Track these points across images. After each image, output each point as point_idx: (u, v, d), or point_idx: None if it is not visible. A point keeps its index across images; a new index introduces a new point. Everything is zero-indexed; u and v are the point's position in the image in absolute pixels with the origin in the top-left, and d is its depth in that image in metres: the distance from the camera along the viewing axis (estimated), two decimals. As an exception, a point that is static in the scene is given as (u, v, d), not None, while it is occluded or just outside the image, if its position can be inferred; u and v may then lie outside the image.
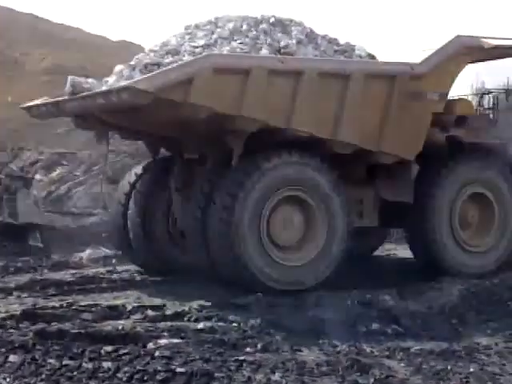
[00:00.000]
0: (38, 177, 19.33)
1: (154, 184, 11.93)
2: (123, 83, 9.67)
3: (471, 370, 6.48)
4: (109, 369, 6.19)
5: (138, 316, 8.60)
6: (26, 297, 10.16)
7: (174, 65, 9.41)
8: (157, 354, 6.67)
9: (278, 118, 9.80)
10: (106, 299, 9.70)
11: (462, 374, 6.32)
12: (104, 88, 10.12)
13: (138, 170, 12.36)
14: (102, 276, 11.99)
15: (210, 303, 9.21)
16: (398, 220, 11.60)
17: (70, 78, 10.66)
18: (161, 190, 11.77)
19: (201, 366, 6.37)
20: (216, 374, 6.15)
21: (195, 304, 9.16)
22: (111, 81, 10.49)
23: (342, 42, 11.38)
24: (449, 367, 6.55)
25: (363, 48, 11.35)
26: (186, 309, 8.88)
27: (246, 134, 9.81)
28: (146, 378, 6.02)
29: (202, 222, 10.01)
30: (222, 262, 9.89)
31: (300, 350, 7.21)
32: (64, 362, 6.33)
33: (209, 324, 8.12)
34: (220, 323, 8.22)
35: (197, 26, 11.01)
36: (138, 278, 11.83)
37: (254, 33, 10.59)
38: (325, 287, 9.79)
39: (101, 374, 6.08)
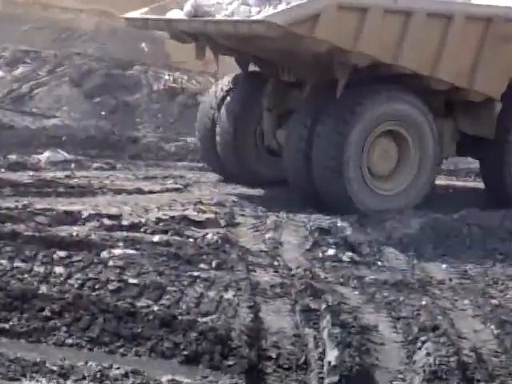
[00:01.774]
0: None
1: (246, 100, 12.44)
2: (250, 13, 10.38)
3: (423, 302, 6.52)
4: (60, 274, 6.13)
5: (93, 224, 8.48)
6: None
7: (304, 0, 9.99)
8: (110, 263, 6.62)
9: (388, 55, 10.48)
10: (62, 204, 9.54)
11: (414, 307, 6.37)
12: (225, 14, 10.64)
13: (225, 83, 12.88)
14: (59, 180, 11.78)
15: (167, 216, 9.14)
16: (476, 152, 12.36)
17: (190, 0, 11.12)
18: (252, 106, 12.33)
19: (154, 278, 6.34)
20: (168, 288, 6.13)
21: (152, 216, 9.08)
22: (224, 3, 10.90)
23: None
24: (401, 298, 6.59)
25: None
26: (143, 220, 8.79)
27: (352, 66, 10.43)
28: (97, 286, 5.99)
29: (306, 149, 10.63)
30: (325, 189, 10.56)
31: (254, 271, 7.19)
32: (15, 264, 6.25)
33: (165, 237, 8.03)
34: (176, 237, 8.14)
35: None
36: (96, 185, 11.69)
37: None
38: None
39: (52, 279, 6.02)
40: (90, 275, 6.17)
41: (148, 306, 5.68)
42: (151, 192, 11.50)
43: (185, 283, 6.34)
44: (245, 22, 10.18)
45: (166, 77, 27.33)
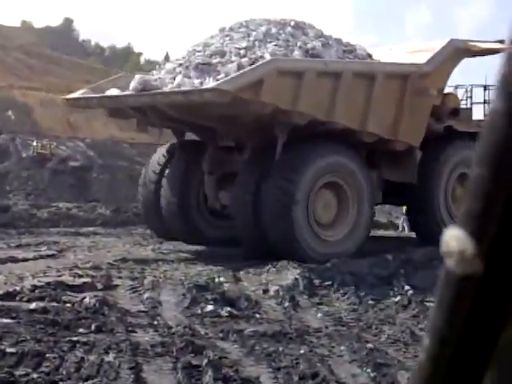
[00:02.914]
0: None
1: (186, 165, 13.45)
2: (194, 85, 11.35)
3: (301, 351, 6.69)
4: None
5: None
6: None
7: (247, 69, 10.98)
8: (-14, 334, 6.47)
9: (323, 113, 11.56)
10: None
11: (293, 356, 6.52)
12: (172, 87, 11.51)
13: (163, 151, 14.02)
14: None
15: (43, 283, 9.01)
16: (400, 198, 13.98)
17: (138, 76, 12.06)
18: (193, 171, 13.34)
19: (32, 346, 6.23)
20: (48, 355, 6.04)
21: (28, 284, 8.94)
22: (166, 77, 11.96)
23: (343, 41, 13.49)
24: (280, 349, 6.73)
25: (363, 47, 13.58)
26: (18, 288, 8.64)
27: (291, 126, 11.44)
28: (-27, 359, 5.83)
29: (254, 204, 11.62)
30: (275, 238, 11.51)
31: (135, 331, 7.18)
32: None
33: (41, 304, 7.92)
34: (53, 303, 8.04)
35: (231, 29, 12.83)
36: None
37: (283, 35, 12.43)
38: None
39: None
40: None
41: (27, 374, 5.58)
42: (25, 259, 11.33)
43: (64, 349, 6.27)
44: (196, 91, 10.98)
45: (35, 143, 27.01)
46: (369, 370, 6.29)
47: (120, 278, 9.99)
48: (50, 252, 12.34)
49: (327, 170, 11.83)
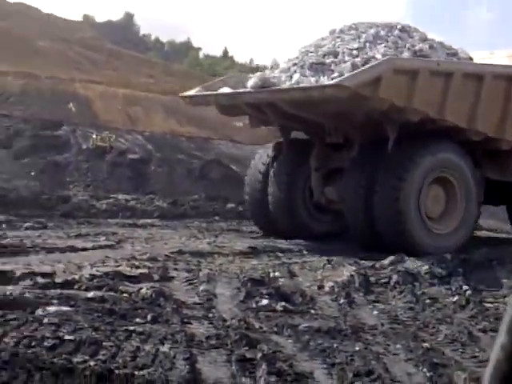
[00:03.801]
0: None
1: (293, 163, 14.03)
2: (311, 83, 11.94)
3: (356, 348, 6.65)
4: (0, 334, 6.09)
5: (27, 282, 8.45)
6: None
7: (366, 67, 11.54)
8: (45, 320, 6.59)
9: (434, 110, 12.05)
10: (-5, 265, 9.49)
11: (348, 353, 6.49)
12: (290, 84, 12.21)
13: (268, 151, 14.64)
14: (-14, 242, 11.70)
15: (101, 273, 9.14)
16: (500, 198, 14.58)
17: (258, 74, 13.01)
18: (299, 168, 13.93)
19: (90, 334, 6.33)
20: (105, 343, 6.12)
21: (86, 273, 9.08)
22: (282, 75, 12.62)
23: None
24: (335, 345, 6.71)
25: (464, 51, 14.01)
26: (77, 277, 8.79)
27: (403, 122, 11.94)
28: (33, 343, 5.95)
29: (364, 199, 12.17)
30: (387, 231, 12.03)
31: (190, 323, 7.23)
32: (-50, 325, 6.20)
33: (99, 293, 8.04)
34: (110, 293, 8.15)
35: (341, 31, 13.51)
36: (29, 245, 11.62)
37: (392, 38, 13.04)
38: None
39: (-13, 339, 5.97)
40: (26, 333, 6.14)
41: (84, 362, 5.67)
42: (84, 249, 11.50)
43: (121, 338, 6.35)
44: (318, 87, 11.64)
45: (94, 136, 27.39)
46: (425, 370, 6.21)
47: (176, 269, 10.07)
48: (109, 242, 12.50)
49: (437, 166, 12.34)
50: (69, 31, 45.24)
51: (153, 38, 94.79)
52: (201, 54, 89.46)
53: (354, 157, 13.01)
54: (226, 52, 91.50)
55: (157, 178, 26.03)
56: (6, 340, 5.96)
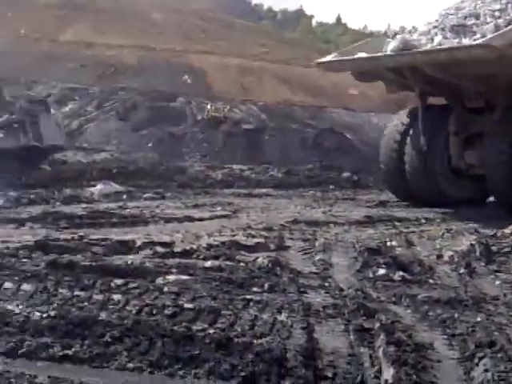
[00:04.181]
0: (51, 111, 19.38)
1: (431, 129, 13.80)
2: (444, 41, 11.94)
3: (478, 319, 6.48)
4: (118, 301, 6.27)
5: (147, 252, 8.66)
6: (38, 228, 10.26)
7: (510, 27, 11.33)
8: (165, 289, 6.74)
9: None
10: (116, 234, 9.78)
11: (469, 323, 6.33)
12: (432, 46, 12.13)
13: (402, 119, 14.48)
14: (112, 211, 12.08)
15: (218, 242, 9.27)
16: None
17: (399, 36, 12.86)
18: (437, 133, 13.80)
19: (208, 303, 6.43)
20: (223, 312, 6.20)
21: (204, 242, 9.22)
22: (422, 38, 12.54)
23: None
24: (455, 315, 6.56)
25: None
26: (195, 247, 8.93)
27: None
28: (154, 311, 6.10)
29: (508, 164, 12.13)
30: None
31: (306, 292, 7.23)
32: (75, 293, 6.43)
33: (216, 262, 8.15)
34: (228, 262, 8.25)
35: None
36: (147, 215, 11.90)
37: None
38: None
39: (111, 306, 6.16)
40: (147, 301, 6.30)
41: (204, 330, 5.77)
42: (201, 219, 11.69)
43: (239, 306, 6.42)
44: (463, 47, 11.50)
45: (209, 106, 27.72)
46: (550, 341, 6.01)
47: (292, 239, 10.09)
48: (225, 212, 12.66)
49: None
50: (183, 2, 45.75)
51: (265, 7, 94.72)
52: (313, 22, 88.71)
53: (496, 121, 12.73)
54: (338, 19, 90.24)
55: (271, 148, 26.13)
56: (128, 308, 6.14)
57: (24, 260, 7.69)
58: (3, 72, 23.73)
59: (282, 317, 6.25)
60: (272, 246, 9.37)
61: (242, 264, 8.23)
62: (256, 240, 9.63)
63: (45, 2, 36.13)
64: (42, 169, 18.13)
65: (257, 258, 8.47)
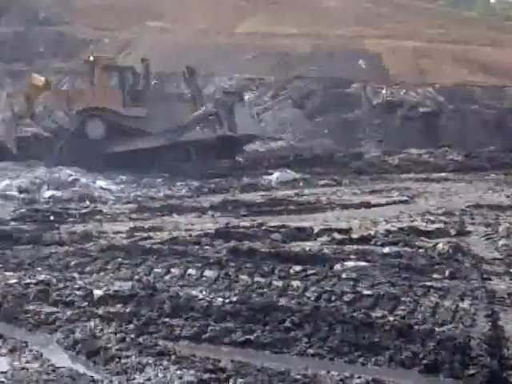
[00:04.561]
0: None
1: None
2: None
3: None
4: (297, 287, 6.34)
5: (324, 238, 8.69)
6: (219, 216, 10.56)
7: None
8: (343, 275, 6.73)
9: None
10: (293, 221, 9.88)
11: None
12: None
13: None
14: (289, 198, 12.23)
15: (396, 228, 9.15)
16: None
17: None
18: None
19: (387, 289, 6.36)
20: (403, 299, 6.11)
21: (381, 229, 9.13)
22: None
23: None
24: None
25: None
26: (372, 233, 8.87)
27: None
28: (333, 298, 6.11)
29: None
30: None
31: (490, 279, 6.99)
32: (255, 279, 6.56)
33: (395, 249, 8.05)
34: (406, 248, 8.12)
35: None
36: (324, 201, 11.95)
37: None
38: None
39: (290, 292, 6.24)
40: (326, 288, 6.32)
41: (383, 317, 5.72)
42: (378, 205, 11.59)
43: (419, 293, 6.30)
44: None
45: (384, 91, 27.40)
46: None
47: (473, 224, 9.79)
48: (402, 198, 12.48)
49: None
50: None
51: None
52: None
53: None
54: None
55: (449, 131, 25.46)
56: (307, 294, 6.19)
57: (206, 247, 7.94)
58: (184, 64, 24.55)
59: (465, 304, 6.08)
60: (452, 232, 9.13)
61: (421, 250, 8.08)
62: (435, 225, 9.42)
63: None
64: (237, 161, 18.63)
65: (437, 243, 8.29)
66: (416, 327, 5.52)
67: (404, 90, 27.69)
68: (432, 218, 10.05)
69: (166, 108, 18.16)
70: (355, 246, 8.19)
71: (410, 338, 5.37)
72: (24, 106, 18.92)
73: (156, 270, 6.92)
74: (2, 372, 4.75)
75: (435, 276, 6.98)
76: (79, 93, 19.60)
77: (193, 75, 19.30)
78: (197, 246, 7.95)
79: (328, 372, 4.94)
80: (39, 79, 19.45)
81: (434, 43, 33.45)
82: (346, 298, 6.10)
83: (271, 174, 15.99)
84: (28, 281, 6.66)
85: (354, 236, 8.76)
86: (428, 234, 8.92)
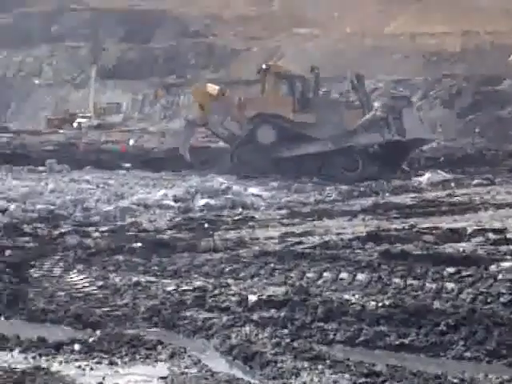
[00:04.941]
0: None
1: None
2: None
3: None
4: (452, 289, 6.23)
5: (478, 239, 8.47)
6: (369, 219, 10.53)
7: None
8: (499, 276, 6.55)
9: None
10: (446, 222, 9.71)
11: None
12: None
13: None
14: (441, 199, 12.03)
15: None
16: None
17: None
18: None
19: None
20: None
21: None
22: None
23: None
24: None
25: None
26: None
27: None
28: (489, 300, 5.98)
29: None
30: None
31: None
32: (408, 282, 6.50)
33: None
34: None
35: None
36: (477, 201, 11.66)
37: None
38: None
39: (444, 295, 6.15)
40: (481, 289, 6.18)
41: (543, 318, 5.54)
42: (533, 203, 11.18)
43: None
44: None
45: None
46: None
47: None
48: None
49: None
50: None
51: None
52: None
53: None
54: None
55: None
56: (462, 296, 6.08)
57: (357, 251, 7.93)
58: (332, 70, 24.64)
59: None
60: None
61: None
62: None
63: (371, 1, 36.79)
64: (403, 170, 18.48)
65: None
66: None
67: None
68: None
69: (334, 115, 18.47)
70: (511, 247, 7.94)
71: None
72: (198, 114, 19.86)
73: (308, 274, 6.99)
74: (162, 377, 4.92)
75: None
76: (251, 100, 20.24)
77: (361, 81, 19.50)
78: (348, 250, 7.96)
79: (486, 375, 4.84)
80: (213, 88, 20.30)
81: None
82: (502, 300, 5.94)
83: (422, 175, 15.77)
84: (185, 288, 6.87)
85: (510, 236, 8.48)
86: None
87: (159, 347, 5.47)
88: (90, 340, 5.58)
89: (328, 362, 5.05)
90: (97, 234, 9.69)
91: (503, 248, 7.84)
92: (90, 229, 10.12)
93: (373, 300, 6.09)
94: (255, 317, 6.03)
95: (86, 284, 7.19)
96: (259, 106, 19.20)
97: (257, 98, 20.22)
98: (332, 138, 18.01)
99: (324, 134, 18.19)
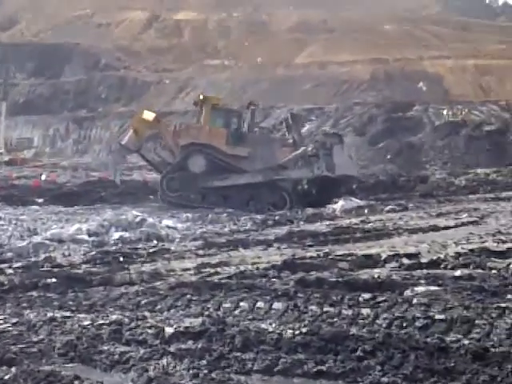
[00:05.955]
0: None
1: None
2: None
3: None
4: (368, 315, 6.26)
5: (393, 264, 8.59)
6: (285, 247, 10.55)
7: None
8: (414, 301, 6.62)
9: None
10: (360, 248, 9.80)
11: None
12: None
13: None
14: (355, 226, 12.15)
15: (466, 250, 8.99)
16: None
17: None
18: None
19: (460, 312, 6.22)
20: (477, 321, 5.98)
21: (451, 251, 8.98)
22: None
23: None
24: None
25: None
26: (442, 256, 8.73)
27: None
28: (405, 324, 6.02)
29: None
30: None
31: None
32: (324, 309, 6.51)
33: (466, 271, 7.89)
34: (478, 270, 7.96)
35: None
36: (391, 227, 11.83)
37: None
38: None
39: (360, 321, 6.17)
40: (397, 314, 6.23)
41: (458, 341, 5.60)
42: (446, 228, 11.42)
43: (493, 315, 6.16)
44: None
45: (445, 112, 27.12)
46: None
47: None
48: (471, 219, 12.27)
49: None
50: (412, 11, 45.31)
51: (500, 2, 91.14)
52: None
53: None
54: None
55: (516, 148, 25.02)
56: (378, 322, 6.11)
57: (273, 279, 7.92)
58: (243, 99, 24.81)
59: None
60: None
61: (493, 271, 7.90)
62: (508, 245, 9.22)
63: (278, 29, 37.35)
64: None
65: (509, 263, 8.11)
66: (492, 350, 5.39)
67: (466, 110, 27.38)
68: (503, 237, 9.84)
69: (267, 150, 18.74)
70: (425, 271, 8.06)
71: (487, 362, 5.24)
72: (132, 139, 19.80)
73: (225, 304, 6.93)
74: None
75: (509, 297, 6.82)
76: (186, 129, 20.29)
77: (295, 121, 19.87)
78: (264, 279, 7.94)
79: (404, 400, 4.85)
80: (150, 114, 20.33)
81: (495, 60, 33.07)
82: (418, 324, 6.00)
83: (335, 202, 15.94)
84: (101, 322, 6.73)
85: (424, 260, 8.63)
86: (500, 255, 8.73)
87: (76, 382, 5.30)
88: (6, 377, 5.38)
89: (247, 392, 5.00)
90: (10, 271, 9.45)
91: (417, 273, 7.96)
92: (3, 265, 9.85)
93: (290, 328, 6.06)
94: (172, 349, 5.92)
95: (0, 321, 6.96)
96: (193, 136, 19.35)
97: (192, 127, 20.37)
98: (262, 171, 18.23)
99: (255, 168, 18.41)
